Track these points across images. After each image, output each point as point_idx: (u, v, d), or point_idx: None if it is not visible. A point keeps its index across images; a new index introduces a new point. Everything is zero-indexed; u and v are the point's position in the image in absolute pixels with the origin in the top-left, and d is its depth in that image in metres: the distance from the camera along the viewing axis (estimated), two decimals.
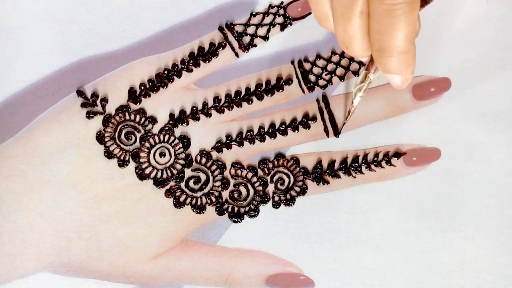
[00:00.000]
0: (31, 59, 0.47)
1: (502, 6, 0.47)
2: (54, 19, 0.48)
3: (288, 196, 0.44)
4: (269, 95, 0.44)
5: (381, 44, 0.35)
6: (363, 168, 0.44)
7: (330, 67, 0.45)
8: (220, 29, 0.45)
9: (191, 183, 0.43)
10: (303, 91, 0.45)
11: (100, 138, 0.43)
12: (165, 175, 0.43)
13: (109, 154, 0.43)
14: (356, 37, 0.36)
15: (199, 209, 0.43)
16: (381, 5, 0.34)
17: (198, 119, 0.44)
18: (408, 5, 0.33)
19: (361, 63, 0.45)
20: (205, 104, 0.44)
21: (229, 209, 0.44)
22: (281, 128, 0.44)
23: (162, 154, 0.43)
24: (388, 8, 0.34)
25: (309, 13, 0.46)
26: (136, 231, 0.42)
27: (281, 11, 0.45)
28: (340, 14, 0.35)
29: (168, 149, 0.43)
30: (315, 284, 0.44)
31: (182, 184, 0.43)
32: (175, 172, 0.43)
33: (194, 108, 0.44)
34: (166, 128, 0.43)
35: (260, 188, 0.44)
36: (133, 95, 0.43)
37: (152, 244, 0.42)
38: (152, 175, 0.43)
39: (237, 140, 0.44)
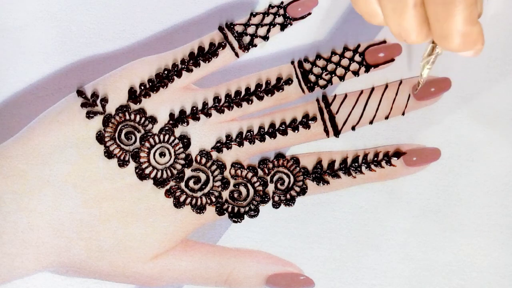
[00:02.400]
0: (31, 59, 0.47)
1: (502, 6, 0.47)
2: (54, 19, 0.48)
3: (288, 196, 0.44)
4: (269, 95, 0.44)
5: (441, 31, 0.34)
6: (363, 168, 0.44)
7: (330, 67, 0.45)
8: (220, 29, 0.45)
9: (191, 183, 0.43)
10: (303, 91, 0.45)
11: (100, 138, 0.43)
12: (165, 175, 0.43)
13: (109, 154, 0.43)
14: (412, 29, 0.35)
15: (199, 209, 0.43)
16: None
17: (198, 119, 0.44)
18: None
19: (361, 63, 0.45)
20: (205, 104, 0.44)
21: (229, 209, 0.44)
22: (281, 128, 0.44)
23: (162, 154, 0.43)
24: None
25: (309, 13, 0.46)
26: (136, 231, 0.42)
27: (281, 11, 0.45)
28: (391, 10, 0.35)
29: (168, 149, 0.43)
30: (315, 284, 0.44)
31: (182, 184, 0.43)
32: (175, 172, 0.43)
33: (194, 108, 0.44)
34: (166, 128, 0.43)
35: (260, 188, 0.44)
36: (133, 95, 0.43)
37: (152, 244, 0.42)
38: (152, 175, 0.43)
39: (237, 140, 0.44)
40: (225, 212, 0.44)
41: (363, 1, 0.37)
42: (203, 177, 0.44)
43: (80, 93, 0.43)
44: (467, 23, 0.34)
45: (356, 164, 0.44)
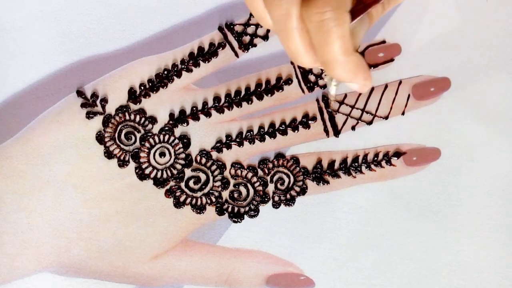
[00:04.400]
0: (31, 59, 0.47)
1: (502, 6, 0.47)
2: (54, 19, 0.48)
3: (288, 196, 0.44)
4: (269, 95, 0.44)
5: (322, 57, 0.35)
6: (363, 168, 0.44)
7: None
8: (220, 29, 0.45)
9: (191, 183, 0.43)
10: (303, 91, 0.45)
11: (100, 138, 0.43)
12: (165, 175, 0.43)
13: (109, 154, 0.43)
14: (298, 52, 0.36)
15: (199, 209, 0.43)
16: (310, 22, 0.34)
17: (198, 119, 0.44)
18: (336, 19, 0.34)
19: None
20: (205, 104, 0.44)
21: (229, 209, 0.44)
22: (281, 128, 0.44)
23: (162, 154, 0.43)
24: (316, 24, 0.34)
25: None
26: (136, 231, 0.42)
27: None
28: (278, 31, 0.35)
29: (168, 149, 0.43)
30: (315, 284, 0.44)
31: (182, 184, 0.43)
32: (175, 172, 0.43)
33: (194, 108, 0.44)
34: (166, 128, 0.44)
35: (260, 188, 0.44)
36: (133, 95, 0.43)
37: (152, 244, 0.42)
38: (152, 175, 0.43)
39: (237, 140, 0.44)
40: (225, 212, 0.44)
41: (258, 17, 0.37)
42: (203, 177, 0.44)
43: (80, 93, 0.43)
44: (343, 52, 0.34)
45: (356, 164, 0.44)
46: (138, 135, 0.43)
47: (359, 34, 0.36)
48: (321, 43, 0.34)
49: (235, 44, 0.45)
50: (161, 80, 0.44)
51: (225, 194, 0.44)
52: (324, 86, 0.45)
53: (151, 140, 0.43)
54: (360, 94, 0.45)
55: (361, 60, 0.35)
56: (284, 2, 0.34)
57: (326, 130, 0.45)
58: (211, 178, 0.44)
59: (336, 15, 0.34)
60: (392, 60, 0.45)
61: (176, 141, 0.44)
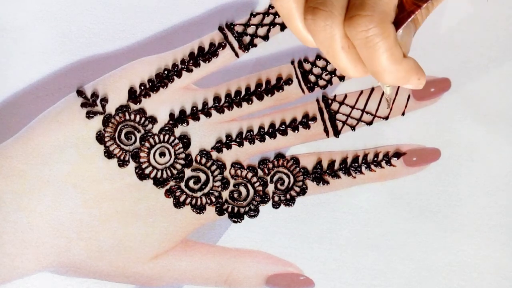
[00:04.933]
0: (31, 59, 0.47)
1: (502, 6, 0.47)
2: (54, 19, 0.48)
3: (288, 196, 0.44)
4: (269, 95, 0.44)
5: (371, 69, 0.35)
6: (363, 168, 0.44)
7: (330, 67, 0.45)
8: (220, 29, 0.45)
9: (191, 183, 0.43)
10: (303, 91, 0.45)
11: (100, 138, 0.43)
12: (165, 175, 0.43)
13: (109, 154, 0.43)
14: (347, 68, 0.36)
15: (199, 209, 0.43)
16: (356, 39, 0.34)
17: (198, 119, 0.44)
18: (380, 34, 0.34)
19: None
20: (205, 104, 0.44)
21: (229, 209, 0.44)
22: (281, 128, 0.44)
23: (162, 154, 0.43)
24: (363, 41, 0.34)
25: None
26: (136, 231, 0.42)
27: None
28: (326, 52, 0.36)
29: (168, 149, 0.43)
30: (315, 284, 0.44)
31: (182, 184, 0.43)
32: (175, 172, 0.43)
33: (194, 108, 0.44)
34: (166, 128, 0.43)
35: (260, 188, 0.44)
36: (133, 95, 0.43)
37: (152, 244, 0.42)
38: (152, 175, 0.43)
39: (237, 140, 0.44)
40: (225, 212, 0.44)
41: (296, 32, 0.37)
42: (203, 177, 0.44)
43: (80, 93, 0.43)
44: (391, 63, 0.35)
45: (356, 164, 0.44)
46: (138, 135, 0.43)
47: (407, 40, 0.36)
48: (369, 57, 0.35)
49: (235, 44, 0.45)
50: (161, 80, 0.44)
51: (225, 194, 0.44)
52: (325, 86, 0.45)
53: (151, 140, 0.43)
54: (361, 94, 0.45)
55: (411, 64, 0.36)
56: (328, 27, 0.34)
57: (326, 130, 0.45)
58: (211, 178, 0.44)
59: (380, 30, 0.34)
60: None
61: (176, 141, 0.44)
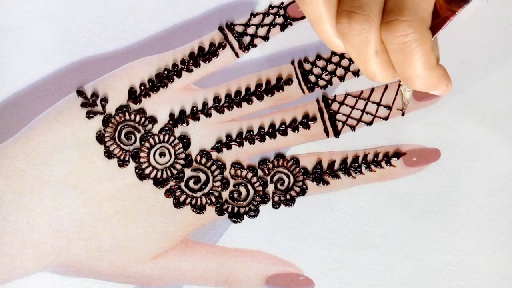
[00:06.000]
0: (31, 59, 0.47)
1: (502, 6, 0.47)
2: (54, 19, 0.48)
3: (288, 196, 0.44)
4: (269, 95, 0.44)
5: (403, 74, 0.35)
6: (363, 168, 0.44)
7: (330, 67, 0.45)
8: (220, 29, 0.45)
9: (191, 183, 0.43)
10: (303, 91, 0.45)
11: (100, 138, 0.43)
12: (165, 175, 0.43)
13: (109, 154, 0.43)
14: (377, 72, 0.36)
15: (199, 209, 0.43)
16: (393, 44, 0.34)
17: (198, 119, 0.44)
18: (418, 40, 0.34)
19: None
20: (205, 104, 0.44)
21: (229, 209, 0.44)
22: (281, 128, 0.44)
23: (162, 154, 0.43)
24: (400, 46, 0.34)
25: None
26: (136, 231, 0.42)
27: (281, 11, 0.45)
28: (357, 56, 0.36)
29: (168, 149, 0.43)
30: (315, 284, 0.44)
31: (182, 184, 0.43)
32: (175, 172, 0.43)
33: (194, 108, 0.44)
34: (166, 128, 0.44)
35: (260, 188, 0.44)
36: (133, 95, 0.43)
37: (152, 244, 0.42)
38: (152, 175, 0.43)
39: (237, 140, 0.44)
40: (225, 212, 0.44)
41: (325, 37, 0.37)
42: (203, 177, 0.44)
43: (80, 93, 0.43)
44: (425, 68, 0.35)
45: (356, 164, 0.44)
46: (138, 135, 0.43)
47: (438, 46, 0.36)
48: (403, 62, 0.35)
49: (235, 44, 0.45)
50: (161, 80, 0.44)
51: (225, 194, 0.44)
52: (325, 87, 0.45)
53: (151, 140, 0.43)
54: (361, 94, 0.45)
55: (442, 71, 0.36)
56: (364, 31, 0.34)
57: (326, 131, 0.45)
58: (211, 178, 0.44)
59: (418, 36, 0.34)
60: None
61: (176, 141, 0.44)
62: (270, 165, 0.44)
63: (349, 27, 0.34)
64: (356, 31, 0.34)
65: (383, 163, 0.44)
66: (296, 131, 0.44)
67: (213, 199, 0.43)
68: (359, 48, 0.35)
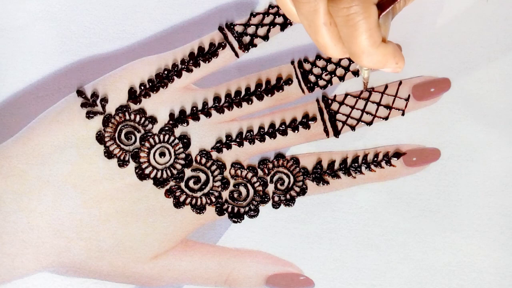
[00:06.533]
0: (31, 59, 0.47)
1: (502, 6, 0.47)
2: (54, 19, 0.48)
3: (288, 196, 0.44)
4: (269, 95, 0.44)
5: (350, 49, 0.36)
6: (363, 168, 0.44)
7: (330, 67, 0.45)
8: (220, 29, 0.45)
9: (191, 183, 0.43)
10: (303, 91, 0.45)
11: (100, 138, 0.43)
12: (165, 175, 0.43)
13: (109, 154, 0.43)
14: (327, 45, 0.37)
15: (199, 209, 0.43)
16: (337, 17, 0.35)
17: (198, 119, 0.44)
18: (362, 13, 0.35)
19: None
20: (205, 104, 0.44)
21: (229, 209, 0.44)
22: (281, 128, 0.44)
23: (162, 154, 0.43)
24: (343, 19, 0.35)
25: None
26: (136, 231, 0.42)
27: (281, 11, 0.45)
28: (307, 26, 0.37)
29: (168, 149, 0.43)
30: (315, 284, 0.44)
31: (182, 184, 0.43)
32: (175, 172, 0.43)
33: (194, 108, 0.44)
34: (166, 128, 0.43)
35: (260, 188, 0.44)
36: (133, 95, 0.43)
37: (152, 244, 0.42)
38: (152, 175, 0.43)
39: (237, 140, 0.44)
40: (225, 212, 0.44)
41: (282, 4, 0.39)
42: (203, 177, 0.44)
43: (80, 93, 0.43)
44: (370, 44, 0.36)
45: (356, 164, 0.44)
46: (138, 135, 0.43)
47: (386, 25, 0.37)
48: (348, 36, 0.35)
49: (235, 44, 0.45)
50: (161, 80, 0.44)
51: (225, 194, 0.44)
52: (325, 86, 0.45)
53: (151, 140, 0.43)
54: (360, 94, 0.45)
55: (390, 48, 0.37)
56: (313, 0, 0.35)
57: (326, 131, 0.45)
58: (211, 178, 0.44)
59: (362, 9, 0.35)
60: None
61: (176, 141, 0.44)
62: (270, 165, 0.44)
63: None
64: None
65: (383, 163, 0.44)
66: (296, 131, 0.44)
67: (213, 199, 0.43)
68: (308, 17, 0.36)
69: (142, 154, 0.43)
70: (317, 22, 0.36)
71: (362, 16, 0.35)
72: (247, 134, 0.44)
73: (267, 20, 0.45)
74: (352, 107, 0.45)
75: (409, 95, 0.45)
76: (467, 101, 0.46)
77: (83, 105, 0.43)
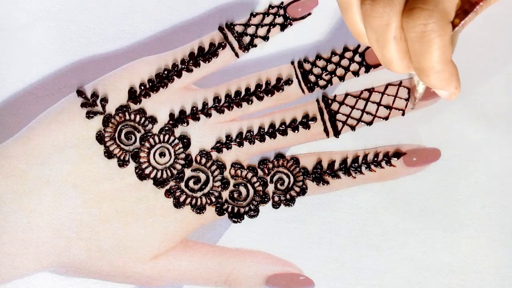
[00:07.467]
0: (31, 59, 0.47)
1: (502, 6, 0.47)
2: (54, 19, 0.48)
3: (288, 196, 0.44)
4: (269, 95, 0.44)
5: (418, 65, 0.36)
6: (363, 168, 0.44)
7: (330, 67, 0.45)
8: (220, 29, 0.45)
9: (191, 183, 0.43)
10: (303, 91, 0.45)
11: (100, 138, 0.43)
12: (165, 175, 0.43)
13: (109, 154, 0.43)
14: (394, 60, 0.37)
15: (199, 209, 0.43)
16: (412, 32, 0.35)
17: (198, 119, 0.44)
18: (438, 30, 0.34)
19: (361, 64, 0.45)
20: (205, 104, 0.44)
21: (229, 209, 0.44)
22: (281, 128, 0.44)
23: (162, 154, 0.43)
24: (419, 34, 0.35)
25: (309, 14, 0.46)
26: (136, 231, 0.42)
27: (281, 11, 0.45)
28: (375, 41, 0.36)
29: (168, 149, 0.43)
30: (315, 284, 0.44)
31: (182, 184, 0.43)
32: (175, 172, 0.43)
33: (194, 108, 0.44)
34: (166, 128, 0.44)
35: (260, 188, 0.44)
36: (133, 95, 0.43)
37: (152, 244, 0.42)
38: (152, 175, 0.43)
39: (237, 140, 0.44)
40: (225, 212, 0.44)
41: (351, 22, 0.38)
42: (203, 177, 0.44)
43: (80, 93, 0.43)
44: (441, 61, 0.35)
45: (356, 164, 0.44)
46: (138, 135, 0.43)
47: (455, 42, 0.37)
48: (420, 52, 0.35)
49: (235, 44, 0.45)
50: (161, 80, 0.44)
51: (225, 194, 0.44)
52: (325, 86, 0.45)
53: (151, 140, 0.43)
54: (361, 94, 0.45)
55: (455, 70, 0.36)
56: (386, 14, 0.35)
57: (326, 131, 0.45)
58: (211, 178, 0.44)
59: (438, 26, 0.34)
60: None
61: (176, 141, 0.44)
62: (270, 165, 0.44)
63: (371, 9, 0.35)
64: (378, 13, 0.35)
65: (383, 163, 0.44)
66: (296, 131, 0.44)
67: (213, 199, 0.43)
68: (378, 31, 0.36)
69: (142, 154, 0.43)
70: (387, 36, 0.36)
71: (438, 33, 0.34)
72: (247, 134, 0.44)
73: (267, 20, 0.45)
74: (352, 107, 0.45)
75: (409, 95, 0.45)
76: (467, 101, 0.46)
77: (83, 105, 0.43)
